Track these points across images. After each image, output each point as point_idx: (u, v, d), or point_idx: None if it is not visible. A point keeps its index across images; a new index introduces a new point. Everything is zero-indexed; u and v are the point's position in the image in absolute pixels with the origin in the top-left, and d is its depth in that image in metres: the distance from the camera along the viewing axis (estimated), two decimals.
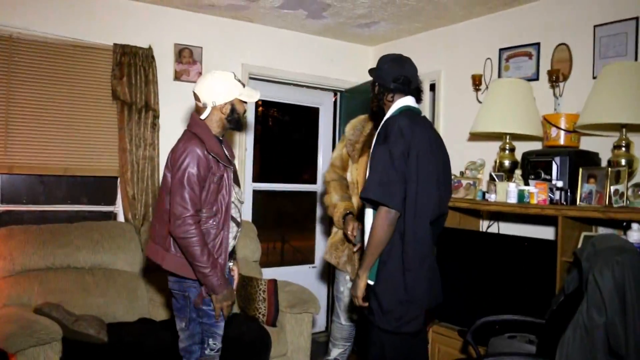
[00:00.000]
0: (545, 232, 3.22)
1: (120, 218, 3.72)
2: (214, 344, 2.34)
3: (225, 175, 2.28)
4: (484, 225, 3.59)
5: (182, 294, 2.32)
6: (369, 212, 2.26)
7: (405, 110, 2.27)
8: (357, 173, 2.88)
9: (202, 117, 2.30)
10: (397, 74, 2.29)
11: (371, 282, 2.24)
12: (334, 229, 3.00)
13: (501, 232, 3.47)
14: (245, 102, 2.41)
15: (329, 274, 4.63)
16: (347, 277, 2.93)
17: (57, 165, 3.50)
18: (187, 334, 2.41)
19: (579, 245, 2.84)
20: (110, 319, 3.17)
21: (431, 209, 2.21)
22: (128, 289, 3.33)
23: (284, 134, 5.22)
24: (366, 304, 2.25)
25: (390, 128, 2.16)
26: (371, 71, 2.41)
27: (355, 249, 2.81)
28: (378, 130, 2.27)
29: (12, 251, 3.12)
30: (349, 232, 2.77)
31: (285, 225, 5.26)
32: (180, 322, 2.42)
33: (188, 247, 2.14)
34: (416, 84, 2.36)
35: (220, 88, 2.29)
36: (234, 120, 2.36)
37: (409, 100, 2.32)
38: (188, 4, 3.77)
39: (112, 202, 3.78)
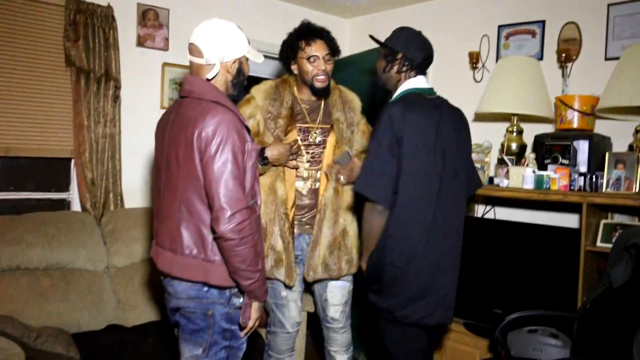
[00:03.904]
0: (552, 218, 3.09)
1: (75, 207, 3.15)
2: None
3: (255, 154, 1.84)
4: (479, 210, 3.42)
5: (203, 313, 1.80)
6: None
7: (407, 94, 2.11)
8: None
9: (209, 76, 1.81)
10: (420, 51, 2.15)
11: None
12: None
13: (498, 217, 3.32)
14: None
15: None
16: (289, 281, 2.44)
17: None
18: None
19: (600, 234, 2.72)
20: (74, 329, 2.65)
21: (427, 204, 2.03)
22: (92, 292, 2.81)
23: None
24: None
25: (382, 116, 2.03)
26: (391, 41, 2.17)
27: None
28: (376, 117, 2.11)
29: None
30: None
31: None
32: (193, 349, 1.83)
33: (242, 248, 1.68)
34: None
35: (229, 39, 1.82)
36: (239, 85, 1.89)
37: (417, 82, 2.16)
38: None
39: (65, 188, 3.19)
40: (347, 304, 2.63)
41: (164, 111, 1.99)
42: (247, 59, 1.91)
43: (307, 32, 2.43)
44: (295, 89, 2.53)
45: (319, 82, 2.43)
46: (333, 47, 2.47)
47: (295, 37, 2.44)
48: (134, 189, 3.32)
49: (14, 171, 3.10)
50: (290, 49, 2.45)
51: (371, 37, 2.31)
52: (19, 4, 2.90)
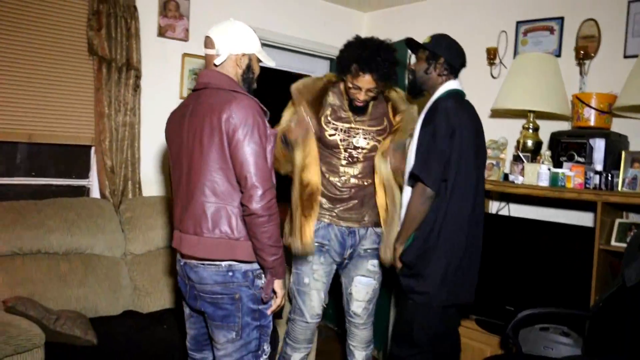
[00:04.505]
0: (566, 216, 3.08)
1: (95, 194, 3.21)
2: (268, 347, 1.98)
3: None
4: (493, 207, 3.42)
5: (231, 297, 1.87)
6: (407, 189, 2.33)
7: (455, 94, 2.31)
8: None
9: (217, 62, 1.92)
10: (460, 57, 2.36)
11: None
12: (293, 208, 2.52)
13: (512, 214, 3.31)
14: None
15: None
16: (316, 267, 2.54)
17: (20, 130, 2.93)
18: (237, 344, 1.90)
19: (614, 233, 2.71)
20: (92, 314, 2.71)
21: (470, 194, 2.25)
22: (110, 277, 2.87)
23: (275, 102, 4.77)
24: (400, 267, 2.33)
25: (440, 109, 2.22)
26: (433, 46, 2.34)
27: None
28: (426, 111, 2.30)
29: None
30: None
31: None
32: (227, 333, 1.90)
33: (270, 225, 1.80)
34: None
35: (240, 35, 1.95)
36: (248, 81, 2.00)
37: (457, 84, 2.36)
38: None
39: (85, 175, 3.25)
40: (371, 302, 2.64)
41: (183, 101, 2.06)
42: (258, 60, 2.01)
43: (364, 61, 2.36)
44: (342, 86, 2.55)
45: (356, 103, 2.48)
46: (384, 77, 2.43)
47: (352, 59, 2.39)
48: (152, 177, 3.37)
49: (36, 157, 3.15)
50: (340, 65, 2.45)
51: (410, 39, 2.43)
52: None
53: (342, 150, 2.52)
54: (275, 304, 1.96)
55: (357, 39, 2.47)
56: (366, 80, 2.40)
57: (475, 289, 2.35)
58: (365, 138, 2.54)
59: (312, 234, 2.45)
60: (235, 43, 1.93)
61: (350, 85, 2.43)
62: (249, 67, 1.98)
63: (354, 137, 2.53)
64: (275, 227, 1.83)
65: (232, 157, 1.81)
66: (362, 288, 2.60)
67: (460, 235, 2.22)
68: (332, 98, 2.56)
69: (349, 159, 2.52)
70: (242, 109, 1.80)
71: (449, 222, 2.20)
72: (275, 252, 1.84)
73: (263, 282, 1.92)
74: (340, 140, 2.51)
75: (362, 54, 2.37)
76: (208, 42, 1.95)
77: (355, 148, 2.53)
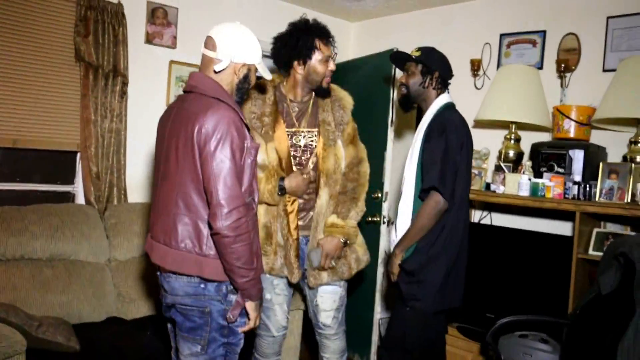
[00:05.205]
0: (546, 226, 3.14)
1: (80, 200, 3.20)
2: None
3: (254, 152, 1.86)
4: (475, 216, 3.47)
5: (200, 310, 1.80)
6: (408, 197, 2.32)
7: (448, 107, 2.35)
8: (280, 148, 2.35)
9: (217, 68, 1.83)
10: (450, 71, 2.39)
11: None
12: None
13: (494, 223, 3.37)
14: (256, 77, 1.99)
15: None
16: (277, 282, 2.41)
17: (5, 135, 2.93)
18: (201, 359, 1.84)
19: (592, 242, 2.78)
20: (75, 320, 2.71)
21: (465, 203, 2.33)
22: (94, 284, 2.86)
23: None
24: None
25: (449, 122, 2.24)
26: (426, 59, 2.34)
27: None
28: (428, 124, 2.30)
29: None
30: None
31: None
32: (192, 346, 1.83)
33: (238, 245, 1.70)
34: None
35: (245, 43, 1.85)
36: (242, 90, 1.91)
37: (449, 97, 2.39)
38: None
39: (70, 181, 3.25)
40: (340, 310, 2.49)
41: (172, 102, 2.03)
42: (256, 70, 1.93)
43: (323, 32, 2.33)
44: (284, 89, 2.42)
45: (327, 83, 2.37)
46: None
47: (311, 35, 2.31)
48: (138, 184, 3.37)
49: (21, 163, 3.14)
50: (305, 48, 2.30)
51: (400, 52, 2.43)
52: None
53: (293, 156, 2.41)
54: (248, 325, 1.87)
55: (291, 26, 2.38)
56: (328, 46, 2.33)
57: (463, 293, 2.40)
58: (310, 137, 2.42)
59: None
60: (238, 51, 1.84)
61: (324, 59, 2.31)
62: (246, 77, 1.90)
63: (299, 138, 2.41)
64: (245, 248, 1.72)
65: (202, 170, 1.73)
66: (328, 297, 2.44)
67: (456, 243, 2.27)
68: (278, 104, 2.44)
69: (299, 164, 2.40)
70: (215, 120, 1.71)
71: (450, 232, 2.23)
72: (245, 274, 1.75)
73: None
74: (290, 145, 2.39)
75: (316, 28, 2.32)
76: (209, 43, 1.85)
77: (304, 151, 2.40)
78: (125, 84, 3.18)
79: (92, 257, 2.94)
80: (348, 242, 2.38)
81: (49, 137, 3.07)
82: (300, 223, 2.38)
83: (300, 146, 2.39)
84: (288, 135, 2.37)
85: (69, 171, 3.25)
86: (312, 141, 2.39)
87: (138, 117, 3.30)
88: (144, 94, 3.35)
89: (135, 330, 2.75)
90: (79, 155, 3.18)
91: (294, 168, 2.37)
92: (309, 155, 2.39)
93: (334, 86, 2.49)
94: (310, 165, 2.38)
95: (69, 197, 3.25)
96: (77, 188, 3.23)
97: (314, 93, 2.42)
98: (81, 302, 2.77)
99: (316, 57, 2.31)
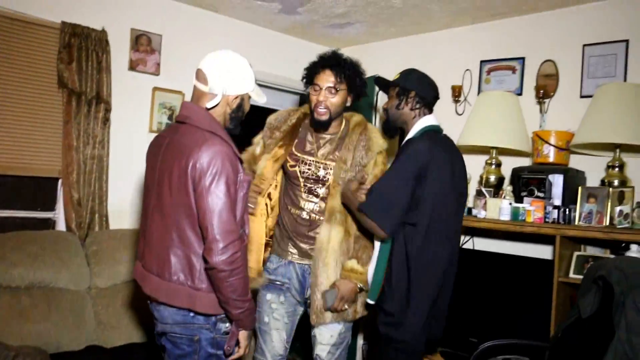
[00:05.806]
0: (527, 250, 3.16)
1: (61, 226, 3.18)
2: None
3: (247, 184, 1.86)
4: None
5: (189, 338, 1.81)
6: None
7: (428, 131, 2.21)
8: (264, 165, 2.37)
9: (209, 105, 1.82)
10: (432, 90, 2.27)
11: (371, 302, 2.22)
12: None
13: (476, 248, 3.38)
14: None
15: None
16: (275, 306, 2.40)
17: None
18: None
19: (572, 266, 2.80)
20: (53, 349, 2.66)
21: (449, 239, 2.16)
22: (73, 312, 2.82)
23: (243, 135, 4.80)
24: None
25: (411, 149, 2.11)
26: (403, 81, 2.25)
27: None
28: (399, 149, 2.20)
29: None
30: None
31: None
32: None
33: (233, 278, 1.71)
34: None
35: (237, 74, 1.85)
36: (236, 119, 1.91)
37: (432, 120, 2.27)
38: None
39: (51, 207, 3.22)
40: (338, 347, 2.41)
41: (152, 135, 2.04)
42: (249, 97, 1.93)
43: (320, 61, 2.32)
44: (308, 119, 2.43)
45: (317, 115, 2.30)
46: (344, 78, 2.29)
47: (312, 65, 2.34)
48: (120, 210, 3.35)
49: (1, 189, 3.12)
50: (306, 76, 2.35)
51: (380, 78, 2.36)
52: (16, 25, 2.97)
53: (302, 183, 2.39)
54: (237, 354, 1.88)
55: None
56: (325, 76, 2.27)
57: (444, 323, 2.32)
58: (324, 169, 2.38)
59: (258, 263, 2.37)
60: (229, 84, 1.83)
61: (312, 91, 2.32)
62: (239, 107, 1.90)
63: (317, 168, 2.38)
64: (240, 281, 1.74)
65: (197, 205, 1.73)
66: (325, 331, 2.37)
67: (436, 279, 2.13)
68: (302, 130, 2.46)
69: (309, 192, 2.39)
70: (210, 155, 1.71)
71: (424, 268, 2.09)
72: (241, 305, 1.77)
73: (227, 326, 1.85)
74: (300, 172, 2.37)
75: (319, 58, 2.34)
76: (200, 76, 1.84)
77: (316, 181, 2.38)
78: (108, 110, 3.19)
79: (72, 285, 2.90)
80: (363, 289, 2.32)
81: (30, 164, 3.05)
82: (303, 246, 2.37)
83: (310, 176, 2.36)
84: (294, 159, 2.37)
85: (50, 198, 3.23)
86: (326, 174, 2.36)
87: (121, 143, 3.30)
88: (127, 121, 3.36)
89: (115, 358, 2.71)
90: (60, 181, 3.16)
91: (303, 195, 2.37)
92: (321, 186, 2.36)
93: (369, 125, 2.46)
94: (321, 196, 2.37)
95: (49, 224, 3.23)
96: (58, 215, 3.20)
97: (343, 125, 2.42)
98: (60, 330, 2.73)
99: (313, 86, 2.32)
